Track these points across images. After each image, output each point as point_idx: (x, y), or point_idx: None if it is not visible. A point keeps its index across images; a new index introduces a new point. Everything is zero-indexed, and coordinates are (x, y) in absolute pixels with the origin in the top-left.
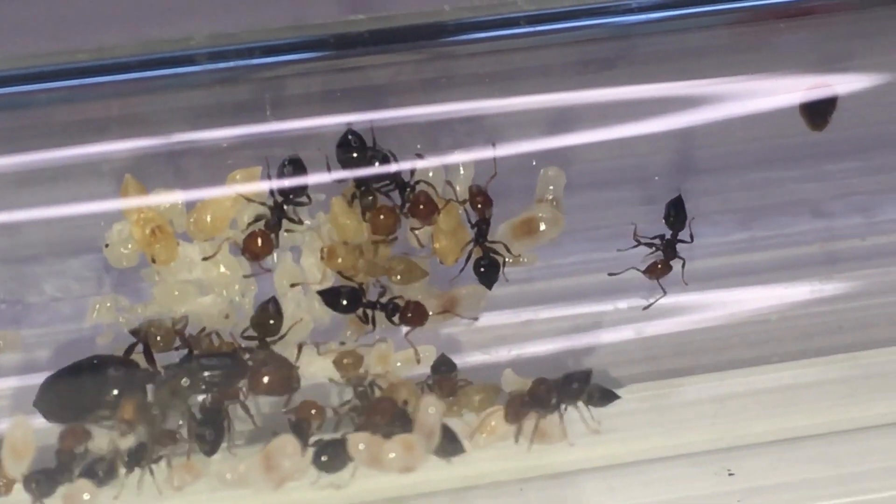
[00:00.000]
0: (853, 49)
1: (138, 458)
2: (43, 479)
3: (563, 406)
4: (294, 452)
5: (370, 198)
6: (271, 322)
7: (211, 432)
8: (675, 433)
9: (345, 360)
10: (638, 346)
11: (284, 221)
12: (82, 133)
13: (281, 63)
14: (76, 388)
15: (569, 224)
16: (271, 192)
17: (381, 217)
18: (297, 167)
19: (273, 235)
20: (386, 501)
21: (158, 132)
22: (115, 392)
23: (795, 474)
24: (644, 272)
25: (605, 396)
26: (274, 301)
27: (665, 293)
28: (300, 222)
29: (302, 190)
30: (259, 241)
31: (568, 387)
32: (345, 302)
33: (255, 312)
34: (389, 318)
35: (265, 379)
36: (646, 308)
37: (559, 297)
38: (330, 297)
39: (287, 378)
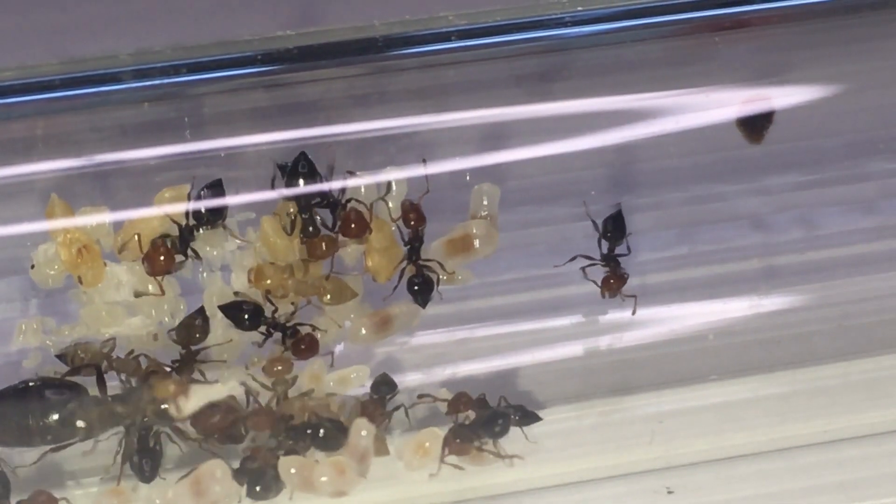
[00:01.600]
0: (790, 61)
1: None
2: None
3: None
4: (224, 477)
5: (311, 228)
6: (196, 335)
7: (148, 461)
8: (614, 452)
9: (276, 368)
10: (576, 363)
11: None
12: (6, 153)
13: (208, 80)
14: (19, 410)
15: (504, 240)
16: (186, 215)
17: (323, 246)
18: (217, 192)
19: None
20: None
21: (84, 151)
22: (56, 416)
23: (735, 492)
24: (603, 292)
25: (527, 417)
26: (202, 311)
27: (636, 296)
28: (198, 257)
29: (218, 214)
30: (162, 255)
31: (491, 426)
32: (246, 318)
33: (182, 320)
34: (284, 341)
35: (212, 424)
36: (633, 314)
37: (495, 315)
38: (232, 311)
39: (232, 430)
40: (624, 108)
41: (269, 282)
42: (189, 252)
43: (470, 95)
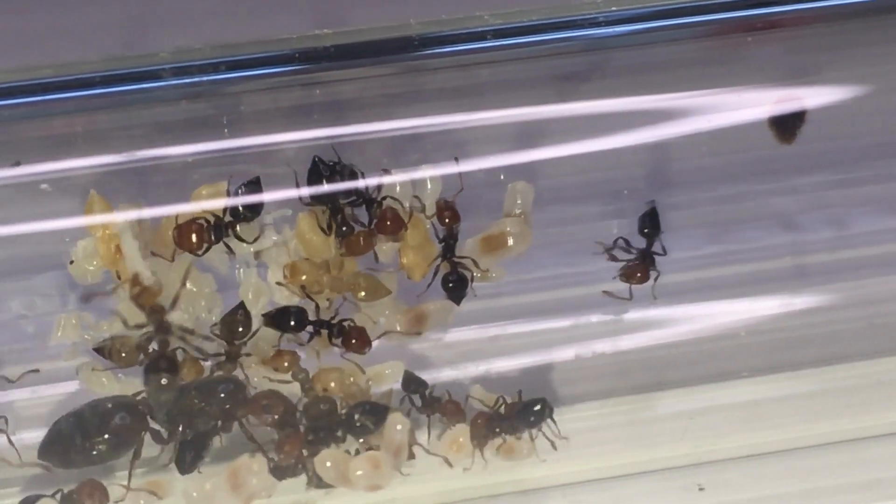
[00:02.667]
0: (822, 62)
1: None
2: None
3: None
4: (261, 470)
5: (345, 228)
6: (240, 329)
7: (192, 454)
8: (645, 448)
9: (283, 362)
10: (607, 360)
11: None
12: (46, 149)
13: (247, 78)
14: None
15: (537, 238)
16: (223, 211)
17: (361, 242)
18: (254, 189)
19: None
20: None
21: (124, 148)
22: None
23: (765, 489)
24: (621, 277)
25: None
26: (242, 306)
27: (630, 298)
28: (231, 252)
29: (255, 211)
30: (194, 233)
31: (525, 417)
32: (292, 322)
33: (224, 316)
34: (331, 339)
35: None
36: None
37: (528, 312)
38: (277, 319)
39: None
40: (657, 107)
41: (304, 278)
42: (223, 247)
43: (504, 94)
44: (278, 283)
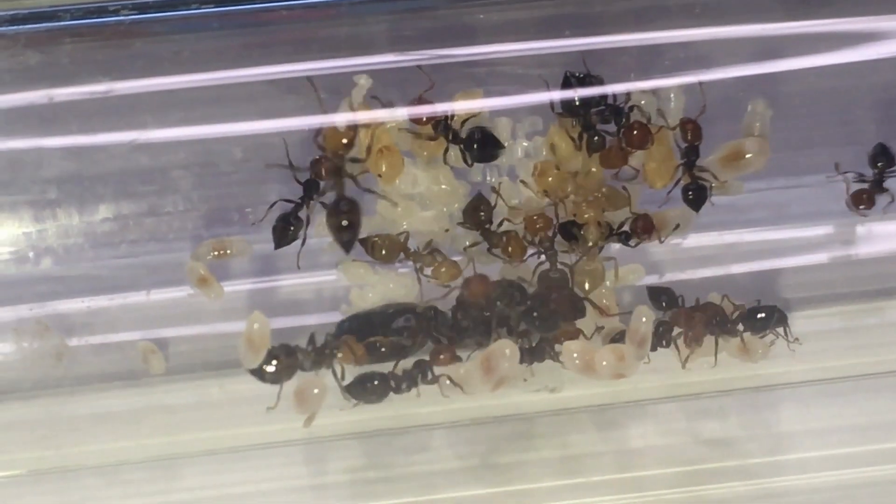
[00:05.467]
0: None
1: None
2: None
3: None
4: (512, 355)
5: (596, 138)
6: (482, 215)
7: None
8: (871, 353)
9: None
10: (837, 269)
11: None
12: (314, 51)
13: None
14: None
15: (774, 153)
16: (462, 122)
17: (615, 155)
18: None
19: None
20: (595, 408)
21: (387, 52)
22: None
23: None
24: (851, 203)
25: (781, 318)
26: (479, 196)
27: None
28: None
29: (486, 157)
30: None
31: (759, 323)
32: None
33: (465, 207)
34: (625, 243)
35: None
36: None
37: (763, 221)
38: (563, 231)
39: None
40: (890, 27)
41: (550, 180)
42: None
43: (745, 14)
44: (522, 182)
